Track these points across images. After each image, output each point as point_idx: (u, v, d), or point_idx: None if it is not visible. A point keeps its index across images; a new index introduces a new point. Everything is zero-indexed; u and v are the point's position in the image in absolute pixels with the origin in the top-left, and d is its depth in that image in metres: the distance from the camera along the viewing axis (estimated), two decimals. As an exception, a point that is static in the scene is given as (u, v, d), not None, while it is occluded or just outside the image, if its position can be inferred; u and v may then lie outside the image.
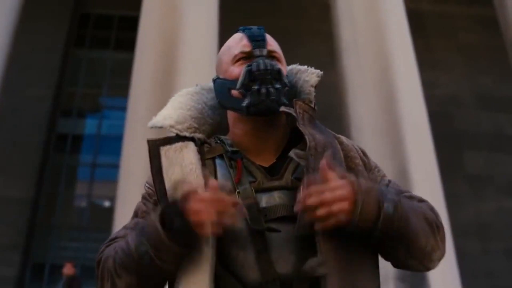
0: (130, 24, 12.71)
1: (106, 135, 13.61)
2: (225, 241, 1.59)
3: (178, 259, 1.52)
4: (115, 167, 7.94)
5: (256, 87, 1.71)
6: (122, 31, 14.59)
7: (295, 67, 1.96)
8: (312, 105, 1.85)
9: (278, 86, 1.71)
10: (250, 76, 1.72)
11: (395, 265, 1.71)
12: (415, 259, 1.62)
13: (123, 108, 9.30)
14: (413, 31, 8.97)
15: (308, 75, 1.90)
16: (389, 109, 7.70)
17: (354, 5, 9.00)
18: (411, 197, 1.77)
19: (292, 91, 1.88)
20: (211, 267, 1.55)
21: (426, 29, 14.60)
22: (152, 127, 1.85)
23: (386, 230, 1.50)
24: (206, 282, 1.54)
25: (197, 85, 2.00)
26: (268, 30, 1.94)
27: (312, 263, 1.48)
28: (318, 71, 1.90)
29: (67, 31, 13.90)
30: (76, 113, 14.02)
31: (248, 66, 1.74)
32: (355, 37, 8.71)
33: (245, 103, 1.73)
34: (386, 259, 1.66)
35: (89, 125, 14.21)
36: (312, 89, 1.87)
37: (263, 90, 1.70)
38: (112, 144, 12.05)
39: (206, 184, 1.64)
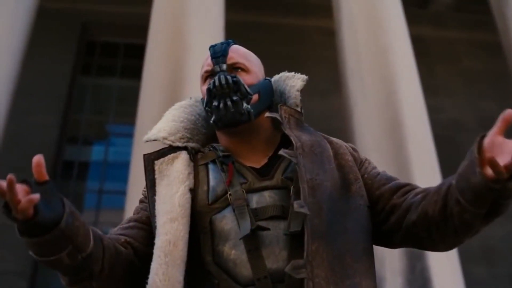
0: (136, 52, 12.81)
1: (112, 162, 13.61)
2: (218, 241, 1.68)
3: (45, 248, 1.52)
4: (122, 193, 7.97)
5: (215, 103, 1.82)
6: (128, 58, 14.68)
7: (284, 74, 2.07)
8: (299, 109, 1.94)
9: (235, 98, 1.81)
10: (210, 94, 1.84)
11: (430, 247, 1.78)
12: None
13: (130, 135, 9.35)
14: (416, 57, 9.02)
15: (294, 81, 2.01)
16: (394, 133, 7.72)
17: (358, 31, 9.07)
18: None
19: (283, 98, 2.00)
20: (183, 262, 1.63)
21: (430, 54, 14.64)
22: (147, 141, 1.96)
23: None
24: (177, 275, 1.61)
25: (190, 98, 2.12)
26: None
27: (294, 265, 1.52)
28: (303, 76, 2.00)
29: (74, 59, 13.98)
30: (82, 140, 14.05)
31: (209, 85, 1.85)
32: (359, 62, 8.75)
33: (212, 119, 1.85)
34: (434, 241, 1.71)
35: (96, 152, 14.22)
36: (298, 94, 1.97)
37: (221, 105, 1.80)
38: (119, 171, 12.07)
39: (196, 186, 1.79)
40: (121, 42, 15.03)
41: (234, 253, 1.63)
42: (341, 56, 9.42)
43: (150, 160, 1.88)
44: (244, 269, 1.60)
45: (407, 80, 8.45)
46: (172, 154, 1.87)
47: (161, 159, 1.86)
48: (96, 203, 13.10)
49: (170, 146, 1.91)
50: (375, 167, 1.95)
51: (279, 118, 1.82)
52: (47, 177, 1.48)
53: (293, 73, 2.05)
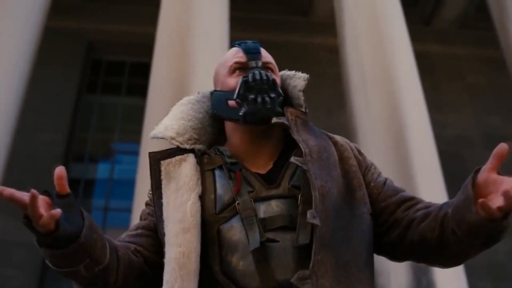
0: (142, 70, 12.89)
1: (118, 180, 13.62)
2: (226, 251, 1.67)
3: (63, 261, 1.54)
4: (128, 211, 7.97)
5: (252, 96, 1.79)
6: (134, 77, 14.75)
7: (284, 73, 2.06)
8: (303, 109, 1.92)
9: (273, 95, 1.80)
10: (247, 86, 1.81)
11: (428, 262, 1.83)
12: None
13: (135, 153, 9.37)
14: (421, 73, 9.03)
15: (295, 81, 1.98)
16: (399, 149, 7.72)
17: (362, 47, 9.10)
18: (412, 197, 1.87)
19: (283, 98, 1.94)
20: (197, 275, 1.63)
21: (434, 70, 14.67)
22: (153, 138, 1.92)
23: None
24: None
25: (198, 92, 2.09)
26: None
27: (300, 275, 1.53)
28: (304, 75, 1.97)
29: (79, 77, 14.05)
30: (88, 158, 14.08)
31: (244, 77, 1.83)
32: (363, 78, 8.77)
33: (242, 112, 1.81)
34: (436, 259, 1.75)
35: (101, 170, 14.23)
36: (301, 94, 1.94)
37: (259, 99, 1.78)
38: (125, 188, 12.08)
39: (203, 193, 1.77)
40: (126, 61, 15.11)
41: (242, 264, 1.62)
42: (345, 72, 9.44)
43: (156, 159, 1.87)
44: (252, 280, 1.60)
45: (411, 96, 8.46)
46: (179, 156, 1.84)
47: (168, 160, 1.84)
48: (102, 221, 13.08)
49: (178, 147, 1.88)
50: (380, 174, 1.95)
51: (286, 122, 1.82)
52: (68, 190, 1.51)
53: (293, 72, 2.03)
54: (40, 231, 1.44)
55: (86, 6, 14.63)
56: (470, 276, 7.40)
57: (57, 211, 1.41)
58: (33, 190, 1.40)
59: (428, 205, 1.78)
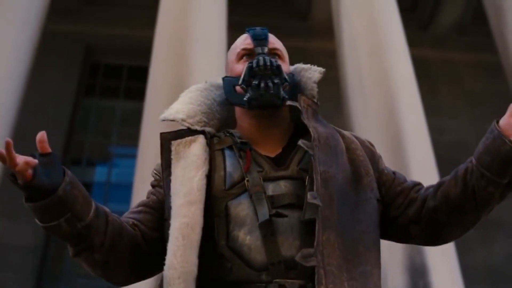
0: (140, 74, 12.89)
1: (115, 183, 13.61)
2: (233, 226, 1.71)
3: (44, 214, 1.59)
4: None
5: (256, 82, 1.84)
6: (132, 80, 14.75)
7: (299, 65, 2.13)
8: (315, 100, 1.99)
9: (276, 81, 1.84)
10: (251, 72, 1.86)
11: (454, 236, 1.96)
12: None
13: (133, 156, 9.37)
14: (418, 78, 9.05)
15: (311, 73, 2.06)
16: (396, 153, 7.73)
17: (360, 51, 9.13)
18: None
19: (297, 88, 2.02)
20: (198, 246, 1.66)
21: (432, 76, 14.69)
22: (164, 120, 1.98)
23: None
24: (193, 258, 1.65)
25: (206, 81, 2.14)
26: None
27: (304, 253, 1.57)
28: (320, 68, 2.08)
29: (78, 81, 14.06)
30: (85, 161, 14.07)
31: (250, 63, 1.88)
32: (361, 82, 8.80)
33: (246, 97, 1.86)
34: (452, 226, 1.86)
35: (99, 173, 14.22)
36: (315, 85, 2.03)
37: (262, 85, 1.83)
38: (122, 192, 12.08)
39: (212, 171, 1.81)
40: (125, 64, 15.11)
41: (250, 238, 1.66)
42: (342, 76, 9.47)
43: (167, 140, 1.91)
44: (258, 255, 1.63)
45: (409, 101, 8.48)
46: (189, 137, 1.88)
47: (179, 140, 1.88)
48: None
49: (188, 128, 1.92)
50: (386, 167, 2.04)
51: (299, 107, 1.87)
52: (49, 150, 1.61)
53: (309, 65, 2.10)
54: (20, 182, 1.51)
55: (84, 10, 14.64)
56: (468, 279, 7.41)
57: (33, 159, 1.51)
58: (8, 139, 1.49)
59: (437, 182, 1.91)
